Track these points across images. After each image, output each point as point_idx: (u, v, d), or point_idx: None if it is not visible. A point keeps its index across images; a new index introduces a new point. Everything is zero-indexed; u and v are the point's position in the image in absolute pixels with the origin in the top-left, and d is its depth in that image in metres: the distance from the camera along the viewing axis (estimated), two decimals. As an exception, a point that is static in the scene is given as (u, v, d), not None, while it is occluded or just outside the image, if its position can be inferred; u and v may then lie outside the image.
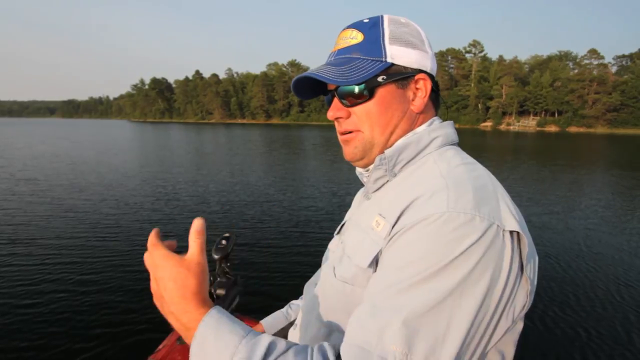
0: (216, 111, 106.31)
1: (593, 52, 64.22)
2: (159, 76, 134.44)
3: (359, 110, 0.70)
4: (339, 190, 9.29)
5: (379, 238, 0.61)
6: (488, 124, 69.71)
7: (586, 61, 65.85)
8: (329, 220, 6.57)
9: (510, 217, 0.56)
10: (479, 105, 73.15)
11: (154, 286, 0.58)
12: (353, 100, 0.69)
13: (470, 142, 29.28)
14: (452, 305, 0.50)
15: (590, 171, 14.05)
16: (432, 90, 0.72)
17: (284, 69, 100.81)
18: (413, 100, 0.71)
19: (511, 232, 0.54)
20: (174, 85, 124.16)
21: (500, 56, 74.49)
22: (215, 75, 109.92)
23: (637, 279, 4.27)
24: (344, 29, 0.73)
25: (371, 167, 0.74)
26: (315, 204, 7.88)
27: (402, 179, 0.70)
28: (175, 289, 0.55)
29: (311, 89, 0.78)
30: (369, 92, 0.68)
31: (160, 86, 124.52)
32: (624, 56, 69.73)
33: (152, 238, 0.59)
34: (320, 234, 5.81)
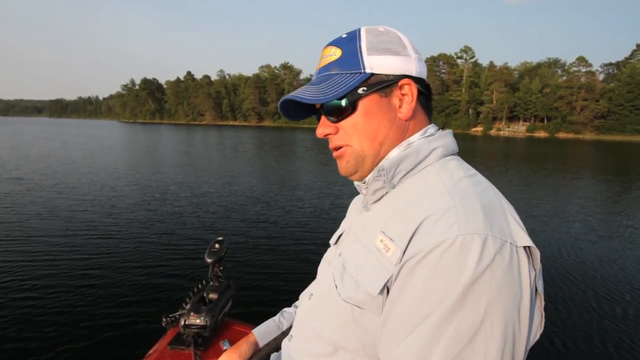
0: (208, 113, 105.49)
1: (581, 60, 65.18)
2: (149, 76, 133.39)
3: (345, 124, 0.69)
4: (332, 194, 9.22)
5: (389, 264, 0.59)
6: (479, 129, 70.28)
7: (574, 68, 66.84)
8: (322, 224, 6.50)
9: (520, 232, 0.55)
10: (470, 111, 73.81)
11: None
12: (338, 115, 0.69)
13: (461, 147, 28.50)
14: (485, 335, 0.49)
15: (577, 176, 14.18)
16: (422, 94, 0.71)
17: (277, 71, 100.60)
18: (400, 107, 0.69)
19: (524, 248, 0.54)
20: (165, 86, 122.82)
21: (491, 62, 75.38)
22: (207, 77, 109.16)
23: (615, 287, 4.24)
24: (325, 47, 0.73)
25: (369, 178, 0.73)
26: (308, 207, 7.77)
27: (402, 191, 0.68)
28: None
29: (301, 110, 0.78)
30: (351, 105, 0.67)
31: (151, 87, 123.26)
32: (610, 64, 71.01)
33: None
34: (313, 237, 5.73)
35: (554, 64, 75.46)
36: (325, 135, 0.73)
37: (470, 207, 0.55)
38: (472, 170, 0.67)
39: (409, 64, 0.69)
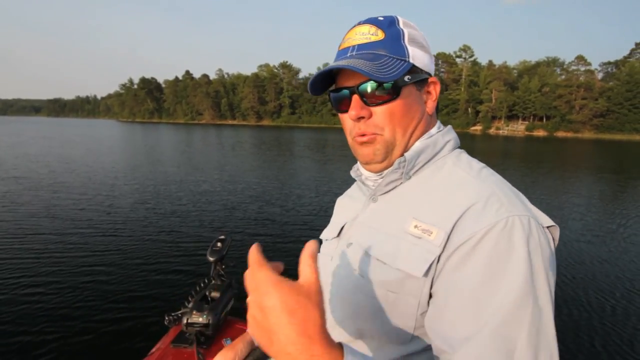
0: (206, 112, 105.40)
1: (580, 59, 65.22)
2: (148, 76, 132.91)
3: (381, 110, 0.68)
4: (331, 191, 9.21)
5: (433, 246, 0.59)
6: (478, 127, 70.40)
7: (573, 67, 66.89)
8: (321, 221, 6.44)
9: (542, 214, 0.60)
10: (469, 109, 73.89)
11: (257, 316, 0.45)
12: (377, 99, 0.67)
13: (461, 146, 29.03)
14: (546, 303, 0.52)
15: (574, 175, 14.21)
16: None
17: (275, 70, 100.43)
18: (426, 102, 0.71)
19: (547, 227, 0.58)
20: (163, 85, 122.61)
21: (490, 61, 75.52)
22: (205, 76, 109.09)
23: (608, 286, 4.23)
24: (360, 24, 0.70)
25: (387, 170, 0.73)
26: (308, 205, 7.78)
27: (420, 181, 0.70)
28: (295, 324, 0.42)
29: (322, 84, 0.75)
30: (396, 91, 0.66)
31: (149, 86, 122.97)
32: (609, 63, 71.06)
33: (255, 255, 0.47)
34: (313, 234, 5.64)
35: (552, 62, 75.40)
36: (359, 119, 0.69)
37: (506, 192, 0.59)
38: (482, 163, 0.71)
39: (432, 64, 0.71)
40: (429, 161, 0.71)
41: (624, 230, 6.58)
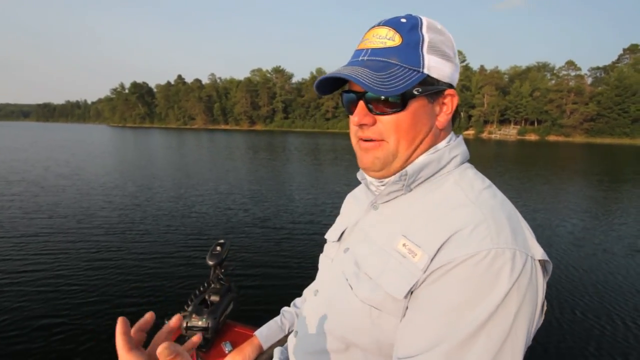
0: (199, 117, 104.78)
1: (570, 64, 66.19)
2: (139, 80, 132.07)
3: (387, 119, 0.65)
4: (327, 194, 9.14)
5: (416, 269, 0.58)
6: (470, 132, 70.86)
7: (564, 72, 67.78)
8: (319, 224, 6.46)
9: (536, 246, 0.57)
10: (462, 114, 74.35)
11: None
12: (383, 108, 0.65)
13: None
14: (512, 342, 0.51)
15: (565, 179, 14.28)
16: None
17: (268, 75, 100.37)
18: (438, 115, 0.67)
19: (539, 261, 0.56)
20: (155, 90, 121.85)
21: (482, 66, 76.24)
22: (198, 81, 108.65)
23: (595, 293, 4.12)
24: (379, 26, 0.66)
25: (388, 180, 0.71)
26: (305, 208, 7.69)
27: (419, 195, 0.68)
28: None
29: (331, 84, 0.70)
30: (403, 103, 0.63)
31: (140, 90, 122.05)
32: (598, 68, 72.19)
33: (118, 332, 0.55)
34: (311, 237, 5.66)
35: (543, 67, 76.32)
36: (361, 125, 0.68)
37: (499, 221, 0.56)
38: (487, 181, 0.67)
39: (455, 73, 0.67)
40: (432, 176, 0.68)
41: (607, 237, 6.43)
